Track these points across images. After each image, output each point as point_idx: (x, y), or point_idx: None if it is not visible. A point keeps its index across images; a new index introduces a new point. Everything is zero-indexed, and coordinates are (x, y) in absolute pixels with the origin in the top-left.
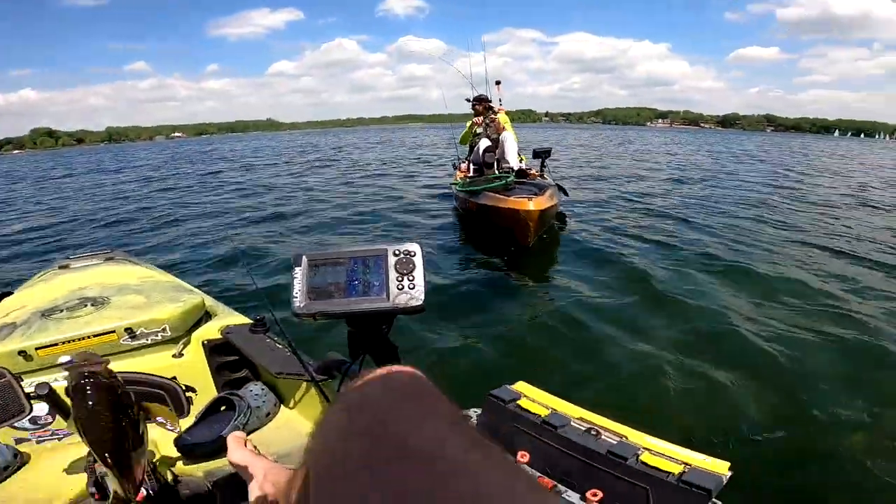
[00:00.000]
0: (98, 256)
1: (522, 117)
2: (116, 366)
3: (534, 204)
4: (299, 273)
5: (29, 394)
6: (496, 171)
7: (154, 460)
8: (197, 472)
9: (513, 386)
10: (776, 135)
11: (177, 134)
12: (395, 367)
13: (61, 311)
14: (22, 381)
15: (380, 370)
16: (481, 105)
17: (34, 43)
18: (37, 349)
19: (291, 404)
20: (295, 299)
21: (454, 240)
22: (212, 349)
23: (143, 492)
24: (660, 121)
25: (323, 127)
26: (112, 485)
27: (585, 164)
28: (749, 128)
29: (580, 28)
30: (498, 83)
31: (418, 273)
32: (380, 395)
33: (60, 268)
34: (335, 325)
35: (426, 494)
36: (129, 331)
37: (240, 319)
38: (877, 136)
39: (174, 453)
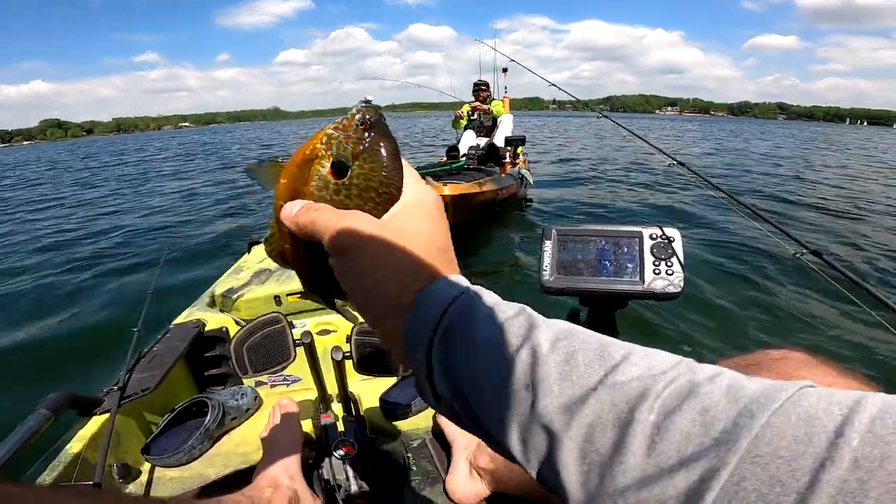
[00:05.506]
0: None
1: (529, 105)
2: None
3: (449, 189)
4: (549, 247)
5: (295, 340)
6: (460, 159)
7: (363, 412)
8: (393, 430)
9: None
10: (789, 123)
11: (184, 124)
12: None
13: None
14: (294, 327)
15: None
16: (480, 92)
17: (45, 35)
18: (287, 295)
19: None
20: (544, 272)
21: None
22: None
23: (352, 446)
24: (669, 108)
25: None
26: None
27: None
28: (761, 115)
29: (593, 15)
30: (504, 70)
31: (677, 259)
32: None
33: None
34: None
35: None
36: None
37: None
38: (894, 126)
39: (375, 404)
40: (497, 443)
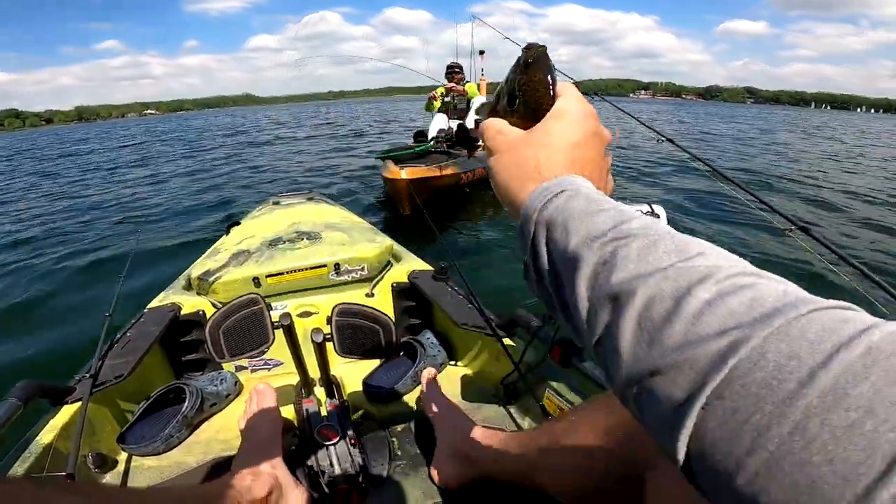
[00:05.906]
0: (300, 196)
1: None
2: (325, 299)
3: (406, 173)
4: None
5: (274, 322)
6: (428, 142)
7: (346, 396)
8: (377, 414)
9: None
10: (757, 106)
11: (149, 111)
12: None
13: (283, 242)
14: (272, 308)
15: None
16: (455, 75)
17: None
18: (267, 277)
19: (462, 356)
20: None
21: (371, 209)
22: (399, 292)
23: (335, 431)
24: (642, 92)
25: (305, 101)
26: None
27: None
28: (730, 99)
29: (569, 0)
30: (481, 53)
31: None
32: None
33: (274, 203)
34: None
35: None
36: (337, 266)
37: (422, 265)
38: (858, 110)
39: (359, 388)
40: (575, 322)
